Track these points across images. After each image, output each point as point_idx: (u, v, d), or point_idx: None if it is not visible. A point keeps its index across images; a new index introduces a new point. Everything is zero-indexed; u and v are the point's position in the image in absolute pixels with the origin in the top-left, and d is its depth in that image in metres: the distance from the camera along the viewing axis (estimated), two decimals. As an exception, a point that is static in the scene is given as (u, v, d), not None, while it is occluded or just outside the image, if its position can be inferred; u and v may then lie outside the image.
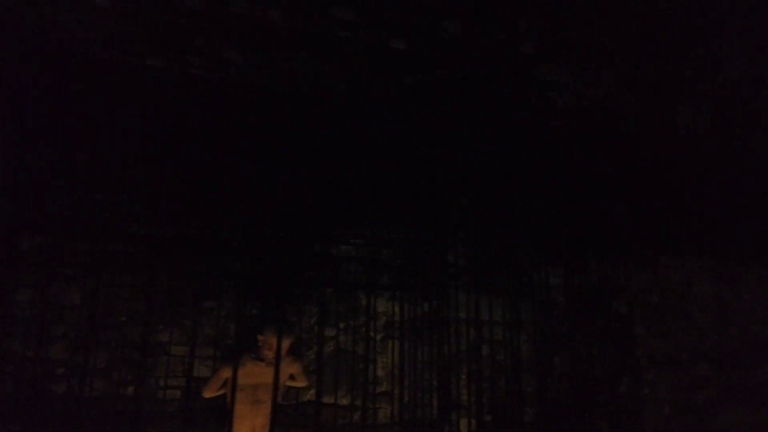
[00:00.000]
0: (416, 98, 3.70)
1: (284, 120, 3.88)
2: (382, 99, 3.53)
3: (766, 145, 1.67)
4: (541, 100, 3.38)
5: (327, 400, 4.08)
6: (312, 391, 4.04)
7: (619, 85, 2.56)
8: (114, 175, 3.89)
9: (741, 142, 1.72)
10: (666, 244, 2.60)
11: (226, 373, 3.05)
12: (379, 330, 4.34)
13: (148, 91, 3.39)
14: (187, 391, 3.33)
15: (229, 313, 3.95)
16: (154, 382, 3.73)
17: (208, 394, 3.16)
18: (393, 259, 4.47)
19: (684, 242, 2.35)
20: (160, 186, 3.93)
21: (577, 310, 4.81)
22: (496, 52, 2.29)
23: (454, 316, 4.01)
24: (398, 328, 4.36)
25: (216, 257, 3.97)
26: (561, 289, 4.93)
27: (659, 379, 3.41)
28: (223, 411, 3.36)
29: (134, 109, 3.60)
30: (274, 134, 4.27)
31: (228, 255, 3.98)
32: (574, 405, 4.66)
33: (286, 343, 2.97)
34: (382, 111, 4.06)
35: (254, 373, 3.06)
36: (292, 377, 3.32)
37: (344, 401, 4.10)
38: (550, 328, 4.92)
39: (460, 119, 4.75)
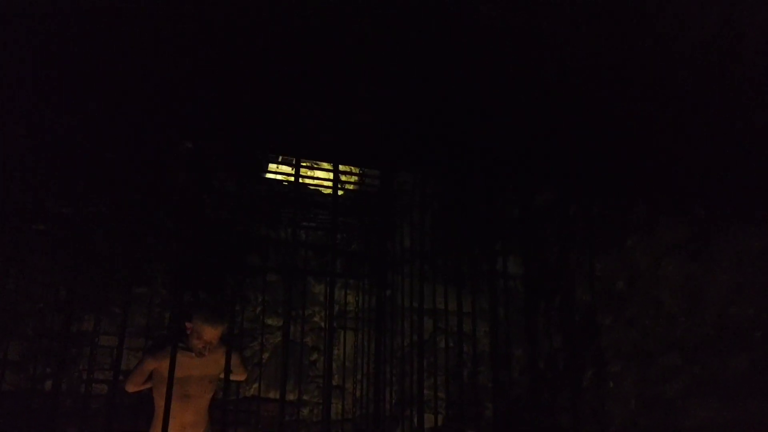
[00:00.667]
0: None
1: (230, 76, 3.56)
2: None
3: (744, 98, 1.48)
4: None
5: (272, 395, 3.78)
6: (255, 386, 3.74)
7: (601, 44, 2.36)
8: (29, 145, 3.50)
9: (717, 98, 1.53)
10: (632, 221, 2.39)
11: (151, 364, 2.72)
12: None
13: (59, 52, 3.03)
14: (114, 386, 2.99)
15: (164, 301, 3.62)
16: (77, 375, 3.37)
17: (131, 388, 2.83)
18: (346, 244, 4.19)
19: (653, 214, 2.14)
20: (83, 157, 3.56)
21: (537, 300, 4.62)
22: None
23: (410, 306, 3.75)
24: (351, 318, 4.09)
25: (149, 238, 3.63)
26: (521, 278, 4.74)
27: (625, 371, 3.25)
28: (152, 407, 3.03)
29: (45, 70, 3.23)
30: (215, 96, 3.93)
31: (163, 236, 3.64)
32: (534, 400, 4.48)
33: (217, 332, 2.67)
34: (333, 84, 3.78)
35: (182, 365, 2.73)
36: (227, 369, 3.01)
37: (291, 396, 3.81)
38: (508, 319, 4.72)
39: (416, 91, 4.50)
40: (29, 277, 3.34)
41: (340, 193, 4.51)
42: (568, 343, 3.92)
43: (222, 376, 3.02)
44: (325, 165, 4.94)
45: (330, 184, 4.99)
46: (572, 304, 3.80)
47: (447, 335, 4.29)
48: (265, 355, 3.82)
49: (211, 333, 2.64)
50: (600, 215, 2.78)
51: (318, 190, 4.43)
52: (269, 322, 3.88)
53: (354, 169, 4.83)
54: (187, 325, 2.71)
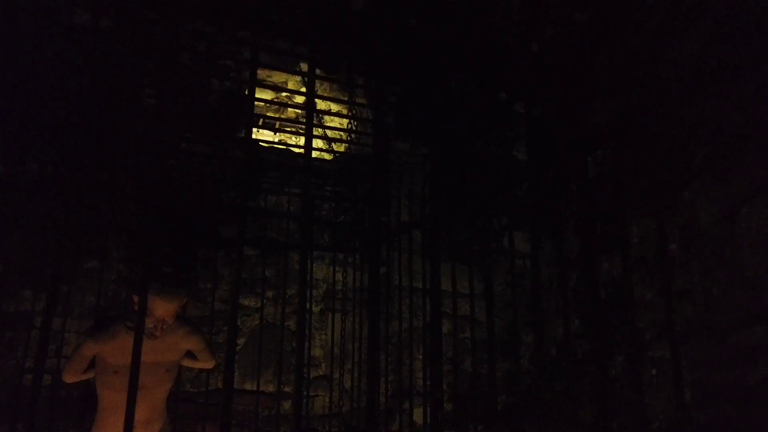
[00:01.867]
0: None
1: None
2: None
3: None
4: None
5: (248, 386, 3.27)
6: (229, 376, 3.22)
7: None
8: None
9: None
10: (693, 165, 1.89)
11: (91, 348, 2.20)
12: (318, 301, 3.55)
13: None
14: (59, 376, 2.46)
15: (120, 277, 3.08)
16: (14, 363, 2.84)
17: (69, 378, 2.30)
18: (334, 215, 3.68)
19: (728, 150, 1.64)
20: (23, 103, 3.01)
21: (554, 278, 4.13)
22: None
23: (408, 286, 3.23)
24: (340, 299, 3.58)
25: (103, 203, 3.08)
26: (529, 256, 4.24)
27: (675, 355, 2.77)
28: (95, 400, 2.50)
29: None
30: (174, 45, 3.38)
31: (120, 201, 3.10)
32: (549, 392, 4.00)
33: (171, 307, 2.14)
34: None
35: (131, 349, 2.21)
36: (191, 355, 2.49)
37: (270, 387, 3.30)
38: (517, 301, 4.23)
39: (415, 51, 3.98)
40: (-44, 248, 2.80)
41: (328, 157, 3.99)
42: (591, 325, 3.43)
43: (184, 363, 2.51)
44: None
45: (320, 145, 4.46)
46: (596, 278, 3.31)
47: (454, 319, 3.80)
48: (241, 341, 3.31)
49: (163, 308, 2.12)
50: (644, 163, 2.28)
51: (302, 154, 3.91)
52: (245, 302, 3.36)
53: (343, 135, 4.31)
54: (135, 298, 2.19)
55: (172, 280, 2.17)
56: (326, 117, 4.23)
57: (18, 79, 3.11)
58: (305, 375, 3.37)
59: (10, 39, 3.16)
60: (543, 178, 3.99)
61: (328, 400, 3.40)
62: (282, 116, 4.48)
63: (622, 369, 2.85)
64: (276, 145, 4.09)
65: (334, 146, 3.95)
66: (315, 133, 4.38)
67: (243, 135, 3.80)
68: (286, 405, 3.30)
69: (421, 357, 3.69)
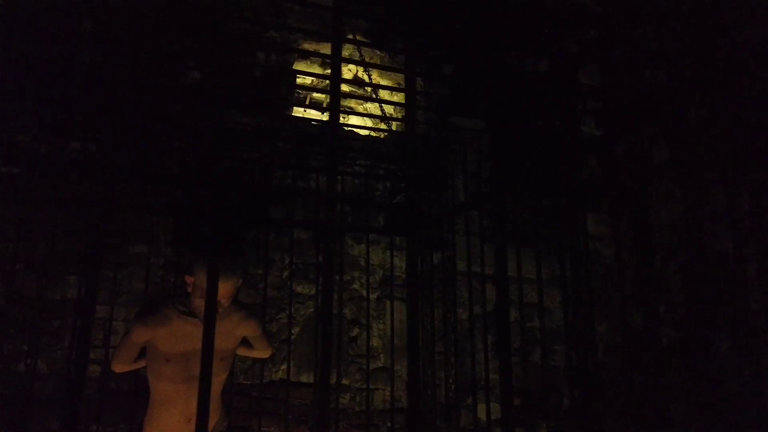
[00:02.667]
0: None
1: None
2: None
3: None
4: None
5: (304, 378, 3.05)
6: (283, 367, 3.01)
7: None
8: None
9: None
10: None
11: (141, 334, 2.00)
12: (374, 288, 3.31)
13: None
14: (108, 366, 2.29)
15: (168, 262, 2.90)
16: (61, 354, 2.68)
17: (118, 367, 2.12)
18: (390, 196, 3.42)
19: None
20: (66, 84, 2.85)
21: (630, 262, 3.77)
22: None
23: (472, 271, 2.95)
24: (399, 286, 3.33)
25: (149, 185, 2.91)
26: (600, 238, 3.90)
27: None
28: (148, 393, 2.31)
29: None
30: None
31: (166, 182, 2.92)
32: (627, 386, 3.66)
33: (228, 286, 1.93)
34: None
35: (185, 336, 2.01)
36: (246, 343, 2.28)
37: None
38: (590, 287, 3.90)
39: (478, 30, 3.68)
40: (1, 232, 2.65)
41: (381, 135, 3.73)
42: (690, 311, 3.09)
43: (239, 351, 2.30)
44: (361, 108, 4.17)
45: (368, 124, 4.21)
46: (696, 258, 2.96)
47: (521, 307, 3.51)
48: (295, 330, 3.09)
49: (220, 288, 1.90)
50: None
51: (354, 131, 3.67)
52: (298, 289, 3.14)
53: (397, 112, 4.05)
54: (187, 279, 1.97)
55: (228, 257, 1.95)
56: (379, 91, 3.98)
57: (58, 57, 2.96)
58: (364, 367, 3.13)
59: (50, 15, 3.02)
60: (615, 152, 3.64)
61: (388, 393, 3.16)
62: (327, 99, 4.24)
63: (727, 358, 2.51)
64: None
65: (393, 124, 3.69)
66: (364, 110, 4.14)
67: (291, 112, 3.58)
68: (345, 399, 3.07)
69: (483, 348, 3.41)
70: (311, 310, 3.14)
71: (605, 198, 3.88)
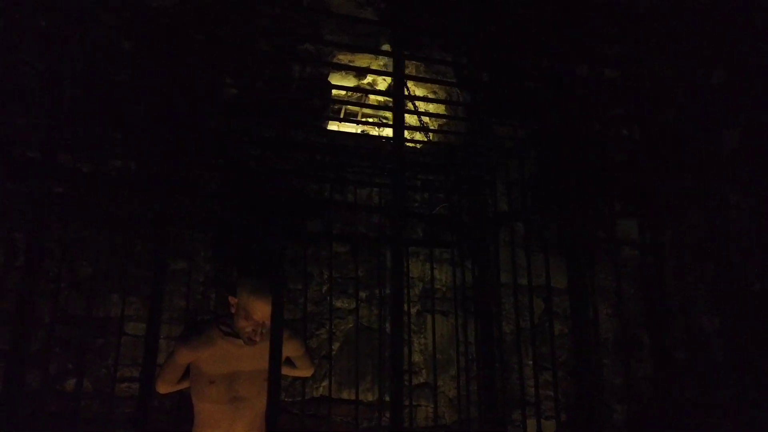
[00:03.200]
0: None
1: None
2: None
3: None
4: None
5: (345, 395, 3.00)
6: (325, 384, 2.97)
7: None
8: (42, 86, 2.85)
9: None
10: None
11: (185, 356, 1.98)
12: (414, 301, 3.24)
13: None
14: (145, 385, 2.28)
15: (208, 278, 2.89)
16: (105, 372, 2.69)
17: (162, 388, 2.11)
18: (428, 207, 3.36)
19: None
20: (106, 102, 2.87)
21: (679, 267, 3.62)
22: None
23: (515, 283, 2.86)
24: (439, 299, 3.26)
25: (188, 200, 2.91)
26: (648, 244, 3.74)
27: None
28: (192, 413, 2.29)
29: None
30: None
31: (206, 198, 2.91)
32: (679, 400, 3.50)
33: (271, 308, 1.89)
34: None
35: (229, 357, 1.99)
36: (288, 362, 2.24)
37: (369, 397, 3.02)
38: (638, 297, 3.75)
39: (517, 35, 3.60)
40: (47, 251, 2.68)
41: (417, 146, 3.67)
42: (738, 322, 2.94)
43: (282, 371, 2.26)
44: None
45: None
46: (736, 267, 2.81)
47: (566, 319, 3.40)
48: (335, 346, 3.05)
49: (263, 310, 1.87)
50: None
51: (390, 142, 3.62)
52: (338, 304, 3.10)
53: (432, 122, 3.99)
54: (231, 300, 1.95)
55: (269, 277, 1.92)
56: (416, 101, 3.92)
57: (98, 76, 3.00)
58: (406, 383, 3.07)
59: (89, 35, 3.06)
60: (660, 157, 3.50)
61: (431, 410, 3.08)
62: (362, 109, 4.22)
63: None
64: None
65: (430, 134, 3.63)
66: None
67: (326, 124, 3.56)
68: (388, 416, 3.00)
69: (530, 362, 3.31)
70: (351, 325, 3.09)
71: (655, 204, 3.74)
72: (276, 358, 0.97)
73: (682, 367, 3.54)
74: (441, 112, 3.95)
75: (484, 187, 3.37)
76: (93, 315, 2.68)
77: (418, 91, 4.02)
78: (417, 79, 2.62)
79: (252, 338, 1.90)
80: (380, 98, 4.14)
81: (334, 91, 3.74)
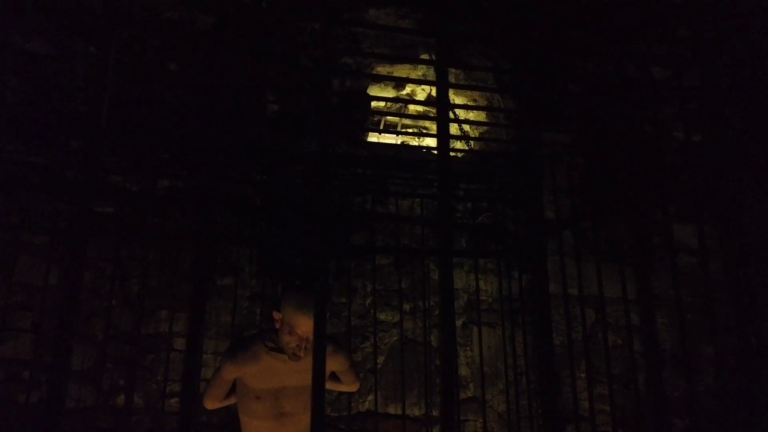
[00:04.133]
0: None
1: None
2: None
3: None
4: None
5: (392, 409, 2.96)
6: (370, 398, 2.93)
7: None
8: (94, 116, 2.95)
9: None
10: None
11: (231, 372, 1.99)
12: (459, 313, 3.18)
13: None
14: (190, 401, 2.31)
15: (254, 293, 2.91)
16: (156, 387, 2.74)
17: (210, 404, 2.12)
18: (472, 216, 3.30)
19: None
20: (155, 123, 2.95)
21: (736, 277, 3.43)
22: None
23: (564, 293, 2.77)
24: (485, 311, 3.19)
25: (234, 217, 2.95)
26: (710, 252, 3.57)
27: None
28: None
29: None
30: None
31: (250, 214, 2.95)
32: (743, 414, 3.30)
33: (312, 323, 1.88)
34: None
35: (274, 373, 1.98)
36: (334, 377, 2.22)
37: (416, 411, 2.96)
38: (696, 306, 3.57)
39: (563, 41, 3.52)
40: (98, 269, 2.76)
41: (458, 155, 3.63)
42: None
43: (327, 386, 2.24)
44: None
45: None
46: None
47: (618, 330, 3.27)
48: (380, 359, 3.01)
49: (307, 324, 1.85)
50: None
51: (432, 152, 3.59)
52: (382, 317, 3.06)
53: (473, 130, 3.93)
54: (275, 315, 1.94)
55: (317, 288, 1.90)
56: (458, 110, 3.89)
57: (146, 97, 3.09)
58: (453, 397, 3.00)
59: (137, 57, 3.16)
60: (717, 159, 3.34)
61: (480, 425, 3.00)
62: (403, 120, 4.20)
63: None
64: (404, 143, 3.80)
65: (472, 143, 3.59)
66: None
67: (366, 137, 3.56)
68: (436, 431, 2.94)
69: (583, 375, 3.19)
70: (396, 338, 3.06)
71: (708, 208, 3.57)
72: (319, 370, 0.94)
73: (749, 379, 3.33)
74: (482, 120, 3.89)
75: (531, 195, 3.29)
76: (143, 332, 2.73)
77: (458, 100, 3.98)
78: (459, 87, 2.56)
79: (297, 354, 1.89)
80: (419, 108, 4.12)
81: (373, 103, 3.74)
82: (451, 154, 3.57)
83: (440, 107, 1.37)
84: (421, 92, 4.15)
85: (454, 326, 1.84)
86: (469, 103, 3.91)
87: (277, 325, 1.94)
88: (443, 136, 1.32)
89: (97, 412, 2.57)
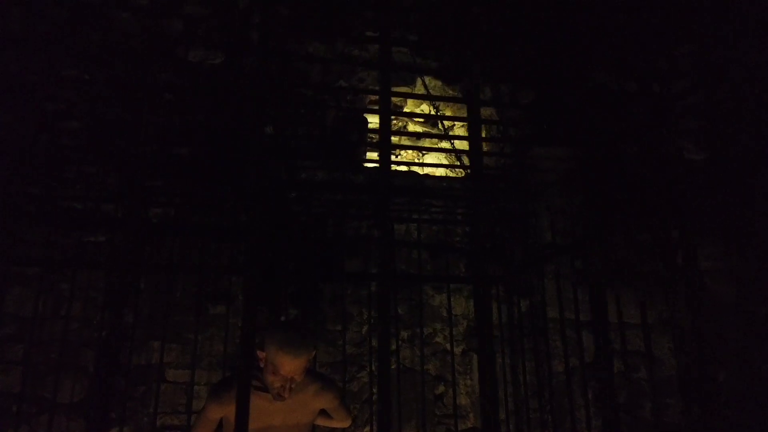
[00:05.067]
0: None
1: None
2: None
3: None
4: None
5: (389, 441, 2.88)
6: (367, 430, 2.87)
7: None
8: (79, 141, 2.95)
9: None
10: None
11: (216, 411, 1.93)
12: (459, 340, 3.11)
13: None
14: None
15: (247, 322, 2.86)
16: (147, 420, 2.69)
17: (196, 443, 2.06)
18: (470, 241, 3.24)
19: None
20: (146, 150, 2.94)
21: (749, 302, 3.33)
22: None
23: (566, 318, 2.70)
24: (485, 337, 3.11)
25: (226, 244, 2.91)
26: (717, 273, 3.47)
27: None
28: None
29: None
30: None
31: (243, 240, 2.91)
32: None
33: (299, 363, 1.82)
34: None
35: (260, 412, 1.92)
36: (324, 414, 2.16)
37: (413, 442, 2.89)
38: (704, 331, 3.46)
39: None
40: (88, 299, 2.73)
41: (456, 174, 3.57)
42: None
43: (318, 421, 2.18)
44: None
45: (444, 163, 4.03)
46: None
47: (624, 356, 3.18)
48: (377, 389, 2.94)
49: (290, 365, 1.80)
50: None
51: (428, 174, 3.54)
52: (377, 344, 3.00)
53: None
54: (259, 354, 1.89)
55: (299, 330, 1.85)
56: (452, 130, 3.84)
57: (140, 127, 3.08)
58: (452, 427, 2.92)
59: (131, 85, 3.16)
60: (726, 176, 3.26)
61: (480, 456, 2.92)
62: (400, 142, 4.16)
63: None
64: (398, 167, 3.76)
65: (466, 162, 3.53)
66: (439, 147, 4.00)
67: (364, 160, 3.52)
68: (433, 464, 2.86)
69: (584, 404, 3.09)
70: (393, 366, 2.99)
71: (717, 228, 3.48)
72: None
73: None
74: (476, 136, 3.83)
75: (530, 219, 3.23)
76: (134, 362, 2.69)
77: (457, 128, 3.92)
78: (445, 100, 2.51)
79: (281, 394, 1.83)
80: (419, 127, 4.08)
81: (370, 127, 3.70)
82: (450, 173, 3.51)
83: (383, 113, 1.35)
84: (417, 119, 4.11)
85: (389, 355, 1.77)
86: (464, 126, 3.85)
87: (261, 364, 1.89)
88: (384, 146, 1.29)
89: (87, 446, 2.53)
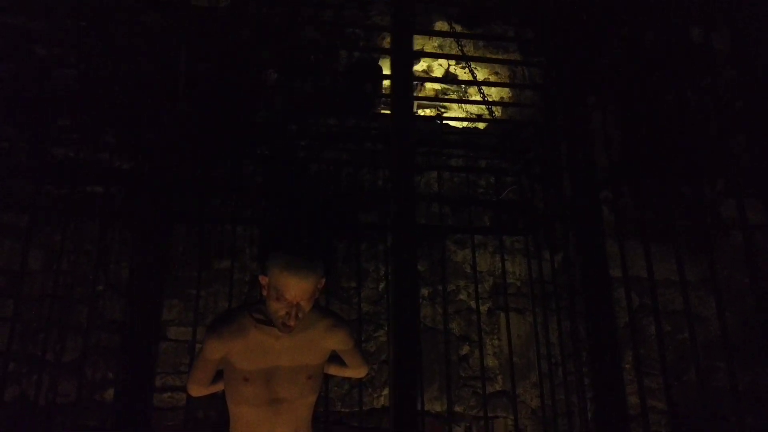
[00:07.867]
0: None
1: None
2: None
3: None
4: None
5: (410, 405, 2.63)
6: (386, 393, 2.62)
7: None
8: (83, 93, 2.76)
9: None
10: None
11: (216, 350, 1.70)
12: (484, 298, 2.86)
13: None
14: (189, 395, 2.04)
15: (255, 277, 2.65)
16: (148, 380, 2.47)
17: (195, 390, 1.83)
18: (495, 192, 2.99)
19: None
20: (148, 98, 2.74)
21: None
22: None
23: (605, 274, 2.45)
24: (513, 295, 2.86)
25: (232, 196, 2.70)
26: (763, 229, 3.17)
27: None
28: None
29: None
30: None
31: (250, 192, 2.70)
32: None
33: (307, 286, 1.58)
34: None
35: (264, 350, 1.69)
36: (337, 360, 1.91)
37: (437, 407, 2.64)
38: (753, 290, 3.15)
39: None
40: (84, 253, 2.54)
41: (481, 126, 3.33)
42: None
43: (330, 370, 1.95)
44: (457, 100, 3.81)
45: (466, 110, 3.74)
46: None
47: (667, 316, 2.91)
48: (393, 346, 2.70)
49: (296, 288, 1.56)
50: None
51: (448, 124, 3.30)
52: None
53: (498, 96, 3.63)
54: (261, 280, 1.65)
55: (303, 251, 1.62)
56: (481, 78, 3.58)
57: (142, 73, 2.89)
58: (479, 391, 2.66)
59: (132, 32, 2.98)
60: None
61: (511, 422, 2.66)
62: (419, 94, 3.93)
63: None
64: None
65: (495, 111, 3.28)
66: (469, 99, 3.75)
67: (379, 110, 3.29)
68: (460, 428, 2.60)
69: (627, 366, 2.81)
70: (413, 326, 2.74)
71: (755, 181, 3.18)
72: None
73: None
74: (505, 94, 3.59)
75: (559, 166, 2.97)
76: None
77: (480, 75, 3.68)
78: (476, 59, 2.26)
79: (287, 323, 1.59)
80: (436, 87, 3.85)
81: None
82: (470, 125, 3.27)
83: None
84: (438, 68, 3.87)
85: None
86: (490, 77, 3.61)
87: (264, 292, 1.65)
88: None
89: (84, 406, 2.33)
